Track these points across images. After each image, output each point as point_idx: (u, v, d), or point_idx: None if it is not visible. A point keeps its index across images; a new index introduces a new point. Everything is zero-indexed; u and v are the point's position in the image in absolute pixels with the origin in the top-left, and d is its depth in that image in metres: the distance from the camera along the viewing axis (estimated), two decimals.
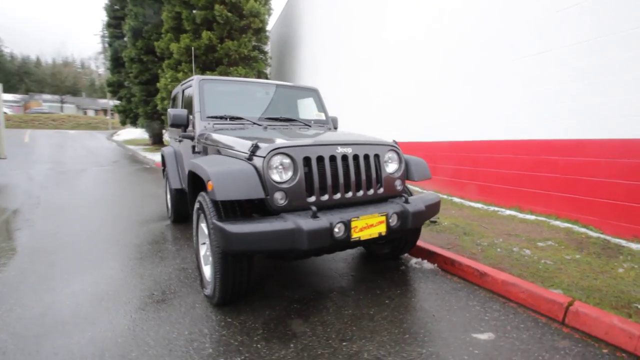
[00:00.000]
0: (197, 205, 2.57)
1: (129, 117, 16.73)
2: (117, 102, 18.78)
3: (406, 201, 2.63)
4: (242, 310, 2.44)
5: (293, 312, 2.45)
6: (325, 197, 2.40)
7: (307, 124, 3.72)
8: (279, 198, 2.25)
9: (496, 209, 4.78)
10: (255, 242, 2.04)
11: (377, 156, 2.67)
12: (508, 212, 4.59)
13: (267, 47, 12.45)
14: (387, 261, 3.39)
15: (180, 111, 3.31)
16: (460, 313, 2.43)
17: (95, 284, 2.87)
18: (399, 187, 2.84)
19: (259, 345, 2.05)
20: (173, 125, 3.35)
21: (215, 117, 3.36)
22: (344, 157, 2.49)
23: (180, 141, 4.08)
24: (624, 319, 2.08)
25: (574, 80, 3.98)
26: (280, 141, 2.37)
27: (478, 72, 5.21)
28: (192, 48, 8.69)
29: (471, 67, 5.32)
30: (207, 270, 2.49)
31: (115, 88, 17.42)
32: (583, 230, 3.77)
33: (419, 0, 6.30)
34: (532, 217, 4.29)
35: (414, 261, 3.37)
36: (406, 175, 2.90)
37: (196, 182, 2.81)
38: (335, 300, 2.62)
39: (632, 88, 3.50)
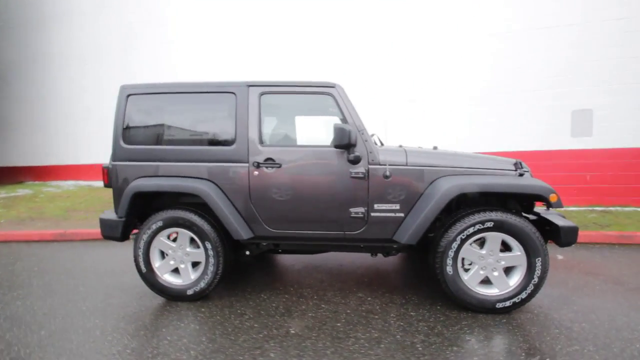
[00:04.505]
0: (477, 228, 2.52)
1: None
2: None
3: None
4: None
5: None
6: None
7: None
8: None
9: None
10: None
11: None
12: None
13: None
14: None
15: (349, 127, 2.59)
16: None
17: None
18: None
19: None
20: (347, 146, 2.62)
21: None
22: None
23: (261, 166, 2.83)
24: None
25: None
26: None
27: None
28: None
29: None
30: (511, 280, 2.62)
31: None
32: None
33: None
34: None
35: None
36: None
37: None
38: None
39: None
